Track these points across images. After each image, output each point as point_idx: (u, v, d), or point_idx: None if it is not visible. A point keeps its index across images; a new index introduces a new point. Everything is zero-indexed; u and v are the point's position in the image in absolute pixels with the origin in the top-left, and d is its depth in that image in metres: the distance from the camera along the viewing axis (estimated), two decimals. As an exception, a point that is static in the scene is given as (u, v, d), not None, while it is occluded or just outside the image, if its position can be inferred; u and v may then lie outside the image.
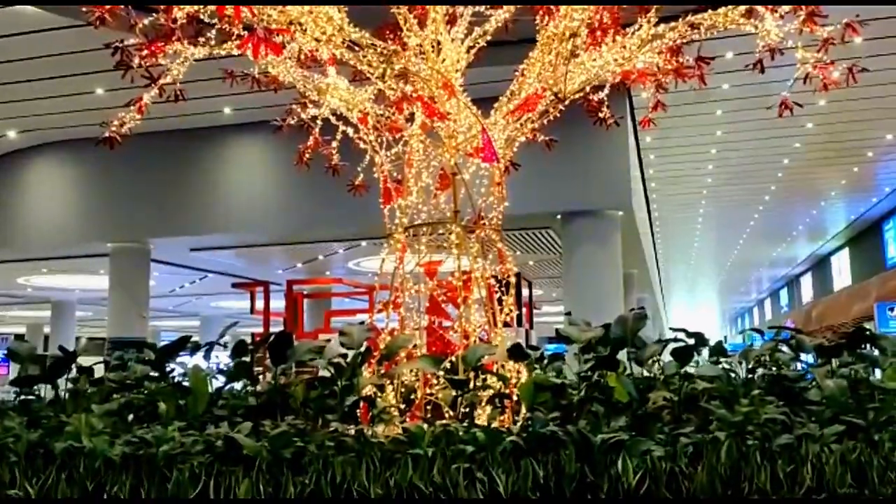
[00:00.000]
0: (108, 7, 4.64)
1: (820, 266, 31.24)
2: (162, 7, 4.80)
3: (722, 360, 5.11)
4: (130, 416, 3.87)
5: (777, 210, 21.54)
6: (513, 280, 4.80)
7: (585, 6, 4.79)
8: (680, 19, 4.73)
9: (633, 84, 5.48)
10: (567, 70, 4.74)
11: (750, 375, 4.84)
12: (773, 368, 4.83)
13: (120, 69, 5.07)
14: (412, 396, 4.63)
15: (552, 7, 5.02)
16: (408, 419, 4.18)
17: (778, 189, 19.24)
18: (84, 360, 5.28)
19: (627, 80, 5.38)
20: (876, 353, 4.69)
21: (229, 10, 4.56)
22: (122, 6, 4.80)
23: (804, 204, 21.52)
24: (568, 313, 6.78)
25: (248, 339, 8.06)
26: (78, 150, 14.18)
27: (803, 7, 4.65)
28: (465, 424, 3.30)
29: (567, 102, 5.92)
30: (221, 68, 6.13)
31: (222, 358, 5.83)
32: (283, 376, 4.47)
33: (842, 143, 15.81)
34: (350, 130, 5.86)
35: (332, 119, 6.08)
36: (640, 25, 4.80)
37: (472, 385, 4.05)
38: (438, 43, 4.99)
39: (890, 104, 13.37)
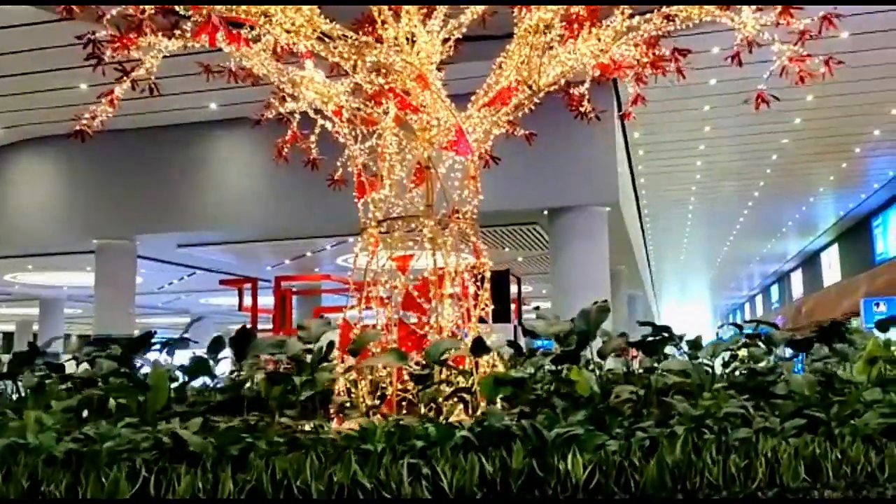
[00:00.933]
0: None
1: (810, 262, 31.32)
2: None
3: (699, 354, 5.08)
4: (85, 413, 3.82)
5: (766, 206, 21.56)
6: (488, 275, 4.75)
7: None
8: (655, 11, 4.69)
9: (610, 77, 5.44)
10: (540, 62, 4.70)
11: (726, 370, 4.82)
12: (747, 363, 4.81)
13: (90, 62, 5.01)
14: (387, 392, 4.59)
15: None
16: (378, 414, 4.14)
17: (767, 185, 19.26)
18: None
19: (606, 72, 5.34)
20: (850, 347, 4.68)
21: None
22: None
23: (793, 200, 21.55)
24: (536, 307, 6.76)
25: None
26: (62, 145, 14.07)
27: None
28: (423, 419, 3.25)
29: (551, 96, 5.89)
30: (197, 62, 6.08)
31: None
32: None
33: (829, 139, 15.83)
34: (329, 124, 5.80)
35: (311, 113, 6.03)
36: (615, 17, 4.75)
37: (436, 380, 4.02)
38: (413, 35, 4.94)
39: (876, 99, 13.38)
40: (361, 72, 4.78)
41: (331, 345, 4.37)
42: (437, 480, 2.61)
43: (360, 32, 5.31)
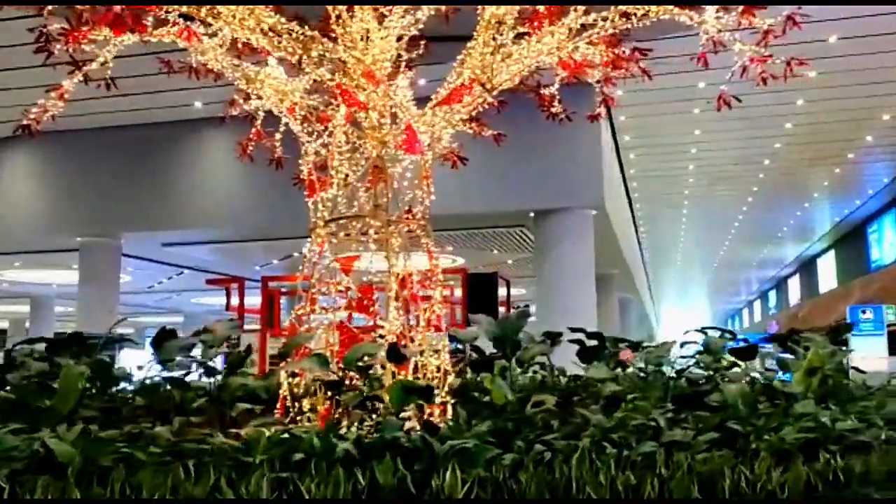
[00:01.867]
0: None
1: (807, 268, 31.18)
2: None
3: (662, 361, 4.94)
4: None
5: (761, 211, 21.42)
6: (440, 278, 4.62)
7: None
8: (612, 8, 4.56)
9: (573, 77, 5.30)
10: (493, 60, 4.58)
11: (672, 380, 4.66)
12: (680, 371, 4.65)
13: (41, 54, 4.92)
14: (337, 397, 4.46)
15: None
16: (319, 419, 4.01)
17: (761, 190, 19.12)
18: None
19: (568, 71, 5.21)
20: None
21: None
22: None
23: (788, 205, 21.42)
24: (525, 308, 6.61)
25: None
26: (45, 142, 13.94)
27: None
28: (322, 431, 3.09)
29: (538, 98, 5.75)
30: (159, 58, 5.98)
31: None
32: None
33: (822, 144, 15.70)
34: (290, 122, 5.69)
35: (275, 111, 5.91)
36: (568, 14, 4.63)
37: (347, 386, 3.89)
38: (368, 32, 4.82)
39: (868, 104, 13.25)
40: (307, 67, 4.66)
41: (248, 349, 4.24)
42: (300, 496, 2.48)
43: (327, 30, 5.20)
